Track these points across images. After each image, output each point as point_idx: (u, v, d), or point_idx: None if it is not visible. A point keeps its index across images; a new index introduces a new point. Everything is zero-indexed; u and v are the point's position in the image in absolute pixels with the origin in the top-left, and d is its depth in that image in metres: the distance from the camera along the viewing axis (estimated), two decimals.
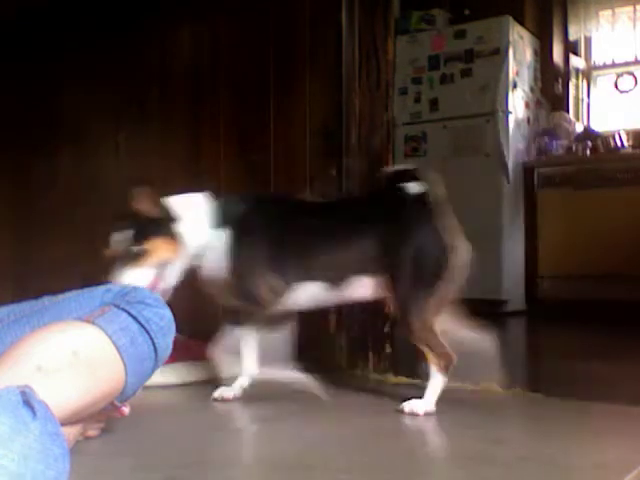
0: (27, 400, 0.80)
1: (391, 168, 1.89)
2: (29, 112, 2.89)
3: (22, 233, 2.87)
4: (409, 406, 1.55)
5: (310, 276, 1.64)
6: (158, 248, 1.55)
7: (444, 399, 1.62)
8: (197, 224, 1.62)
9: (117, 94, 2.63)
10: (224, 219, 1.63)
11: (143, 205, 1.55)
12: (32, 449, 0.75)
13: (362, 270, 1.64)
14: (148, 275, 1.53)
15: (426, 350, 1.60)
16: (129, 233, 1.54)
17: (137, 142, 2.57)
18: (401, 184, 1.67)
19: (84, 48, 2.72)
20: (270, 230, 1.65)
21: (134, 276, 1.50)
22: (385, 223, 1.65)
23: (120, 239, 1.54)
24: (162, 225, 1.56)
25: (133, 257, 1.52)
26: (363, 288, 1.66)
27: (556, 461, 1.18)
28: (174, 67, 2.53)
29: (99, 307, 1.17)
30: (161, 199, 1.58)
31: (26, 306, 1.21)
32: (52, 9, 2.78)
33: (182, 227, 1.59)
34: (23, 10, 2.84)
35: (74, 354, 1.00)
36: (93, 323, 1.07)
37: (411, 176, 1.69)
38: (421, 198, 1.66)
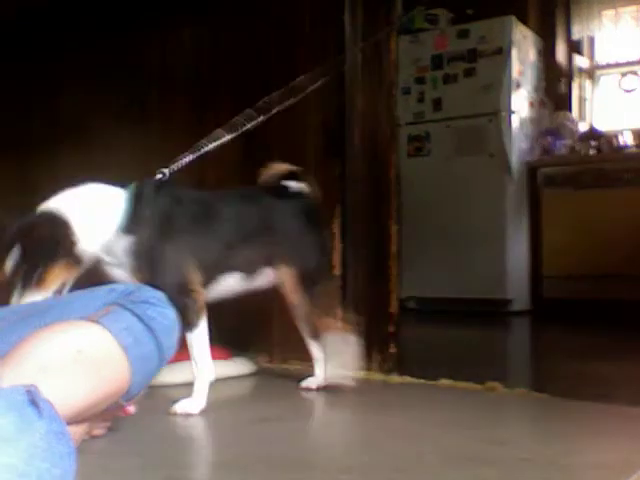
0: (32, 399, 0.80)
1: (280, 167, 1.86)
2: (30, 112, 2.90)
3: None
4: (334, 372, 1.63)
5: (231, 268, 1.69)
6: (58, 273, 1.42)
7: (447, 399, 1.62)
8: (104, 229, 1.51)
9: (117, 94, 2.64)
10: (138, 219, 1.54)
11: (42, 231, 1.42)
12: (38, 448, 0.76)
13: (271, 262, 1.76)
14: (48, 294, 1.40)
15: (330, 324, 1.76)
16: (21, 258, 1.39)
17: (138, 143, 2.58)
18: (287, 183, 1.83)
19: (84, 48, 2.72)
20: (190, 226, 1.63)
21: (36, 298, 1.38)
22: (292, 219, 1.79)
23: (13, 264, 1.39)
24: (61, 249, 1.42)
25: (31, 281, 1.38)
26: (268, 278, 1.78)
27: (557, 462, 1.18)
28: (175, 67, 2.53)
29: (103, 306, 1.17)
30: (63, 215, 1.44)
31: (30, 305, 1.22)
32: (52, 9, 2.79)
33: (84, 243, 1.46)
34: (23, 10, 2.85)
35: (79, 353, 1.01)
36: (97, 322, 1.08)
37: (294, 176, 1.84)
38: (310, 197, 1.84)
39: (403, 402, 1.69)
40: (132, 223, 1.53)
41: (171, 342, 1.19)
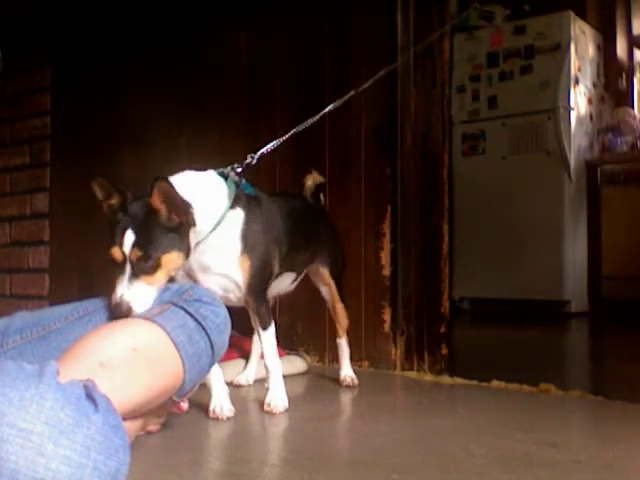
0: (89, 393, 0.83)
1: (317, 177, 1.91)
2: (94, 117, 2.98)
3: (87, 235, 2.97)
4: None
5: (290, 268, 1.71)
6: (172, 260, 1.31)
7: (499, 400, 1.59)
8: (216, 213, 1.45)
9: (178, 98, 2.69)
10: (240, 205, 1.50)
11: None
12: (94, 440, 0.79)
13: (310, 263, 1.82)
14: (157, 287, 1.27)
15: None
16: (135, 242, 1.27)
17: (197, 145, 2.63)
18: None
19: (148, 54, 2.79)
20: (271, 220, 1.61)
21: (141, 298, 1.25)
22: (323, 223, 1.89)
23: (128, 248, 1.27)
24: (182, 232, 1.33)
25: (142, 270, 1.26)
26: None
27: (611, 466, 1.16)
28: (232, 71, 2.57)
29: (158, 305, 1.21)
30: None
31: (89, 304, 1.26)
32: (117, 15, 2.87)
33: (200, 225, 1.39)
34: (90, 17, 2.94)
35: (134, 351, 1.04)
36: (152, 321, 1.11)
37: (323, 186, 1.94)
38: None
39: (454, 403, 1.68)
40: (237, 208, 1.49)
41: (223, 340, 1.22)
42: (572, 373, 2.39)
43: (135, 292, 1.25)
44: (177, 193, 1.31)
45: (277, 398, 1.56)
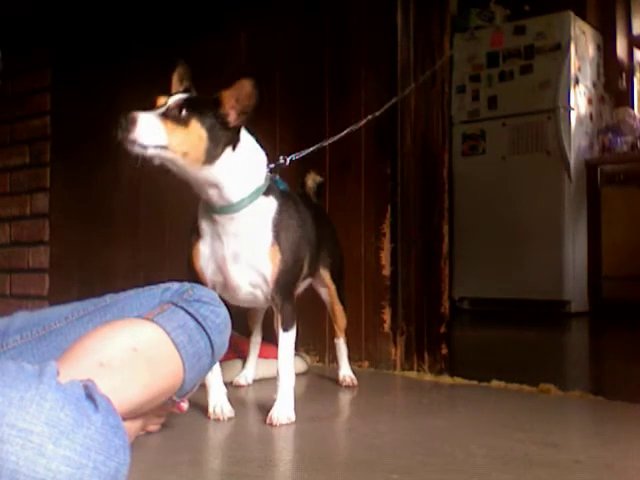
0: (89, 394, 0.83)
1: (316, 177, 1.91)
2: (94, 117, 2.98)
3: (87, 235, 2.97)
4: None
5: (308, 273, 1.66)
6: (194, 135, 1.33)
7: (499, 400, 1.59)
8: (255, 176, 1.43)
9: None
10: (274, 192, 1.47)
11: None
12: (94, 440, 0.79)
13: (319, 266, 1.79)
14: (158, 140, 1.29)
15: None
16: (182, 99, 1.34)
17: None
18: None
19: (148, 54, 2.79)
20: (301, 220, 1.54)
21: (153, 127, 1.28)
22: (324, 224, 1.81)
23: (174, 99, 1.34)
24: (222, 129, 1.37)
25: (170, 115, 1.30)
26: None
27: (612, 465, 1.16)
28: (231, 71, 2.57)
29: (158, 305, 1.21)
30: None
31: (89, 304, 1.26)
32: (115, 16, 2.87)
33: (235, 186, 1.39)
34: (89, 14, 2.94)
35: (134, 351, 1.04)
36: (153, 321, 1.11)
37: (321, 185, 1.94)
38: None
39: (454, 403, 1.67)
40: (270, 196, 1.45)
41: (223, 340, 1.22)
42: (572, 373, 2.39)
43: (150, 123, 1.28)
44: (255, 99, 1.40)
45: (283, 411, 1.45)
